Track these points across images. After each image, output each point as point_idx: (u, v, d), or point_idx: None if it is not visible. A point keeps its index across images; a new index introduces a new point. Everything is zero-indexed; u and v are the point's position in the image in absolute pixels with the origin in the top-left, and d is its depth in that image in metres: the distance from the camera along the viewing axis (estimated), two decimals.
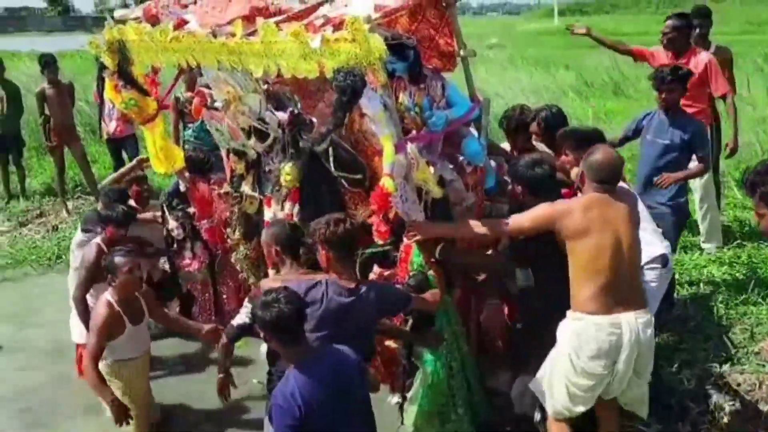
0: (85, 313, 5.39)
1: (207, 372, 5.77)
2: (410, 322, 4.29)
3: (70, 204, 9.75)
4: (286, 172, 4.56)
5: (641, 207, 4.31)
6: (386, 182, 3.73)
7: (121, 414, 4.39)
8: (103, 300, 4.56)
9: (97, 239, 5.53)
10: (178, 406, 5.41)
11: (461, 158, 4.72)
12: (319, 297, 3.66)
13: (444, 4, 4.26)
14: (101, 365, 4.50)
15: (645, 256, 4.22)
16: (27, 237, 9.20)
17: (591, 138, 4.44)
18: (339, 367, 3.32)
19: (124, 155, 9.25)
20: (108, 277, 4.57)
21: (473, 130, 4.53)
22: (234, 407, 5.14)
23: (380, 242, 4.04)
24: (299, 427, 3.17)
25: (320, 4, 4.72)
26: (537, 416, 4.28)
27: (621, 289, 3.79)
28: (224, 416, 5.20)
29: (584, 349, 3.77)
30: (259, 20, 4.17)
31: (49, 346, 6.48)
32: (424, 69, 4.31)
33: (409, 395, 4.54)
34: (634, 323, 3.75)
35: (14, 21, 66.04)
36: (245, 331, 4.12)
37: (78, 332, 5.65)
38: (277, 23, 4.05)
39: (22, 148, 10.30)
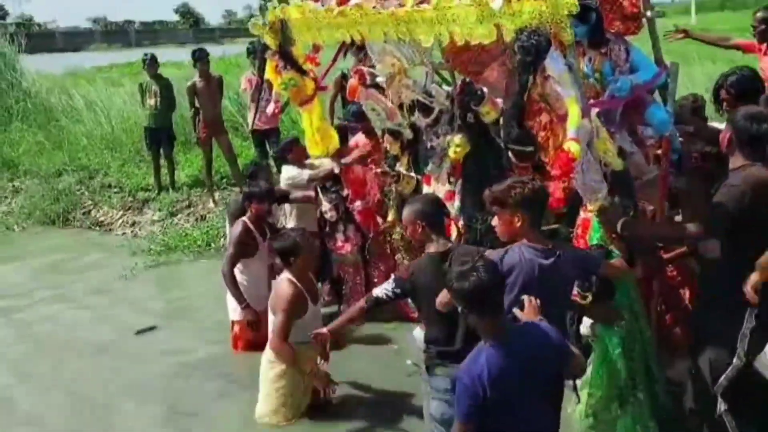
0: (234, 286, 5.53)
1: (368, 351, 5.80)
2: (588, 298, 4.02)
3: (216, 195, 10.01)
4: (456, 143, 4.41)
5: None
6: (572, 146, 3.48)
7: (325, 380, 4.58)
8: (285, 279, 4.66)
9: (244, 217, 5.68)
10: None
11: (641, 129, 4.44)
12: (516, 261, 3.47)
13: None
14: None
15: None
16: (177, 226, 9.53)
17: None
18: (538, 348, 3.07)
19: (268, 148, 9.38)
20: (286, 258, 4.73)
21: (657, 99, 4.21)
22: (389, 391, 5.15)
23: (556, 210, 3.79)
24: (484, 407, 2.96)
25: None
26: (721, 407, 3.89)
27: None
28: (381, 399, 5.14)
29: None
30: None
31: (202, 325, 6.66)
32: (606, 33, 4.03)
33: (581, 379, 4.29)
34: None
35: (148, 34, 69.48)
36: (380, 304, 4.18)
37: (233, 309, 5.76)
38: None
39: (173, 141, 10.66)
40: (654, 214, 4.33)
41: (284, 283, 4.72)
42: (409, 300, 5.14)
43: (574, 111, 3.52)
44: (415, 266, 4.12)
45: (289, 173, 6.23)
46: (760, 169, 3.64)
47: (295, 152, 6.13)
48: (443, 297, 3.68)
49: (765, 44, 6.01)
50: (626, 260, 3.96)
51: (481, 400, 2.94)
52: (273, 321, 4.74)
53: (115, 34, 74.67)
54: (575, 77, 3.54)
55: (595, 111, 3.82)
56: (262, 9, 5.49)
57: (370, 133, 6.15)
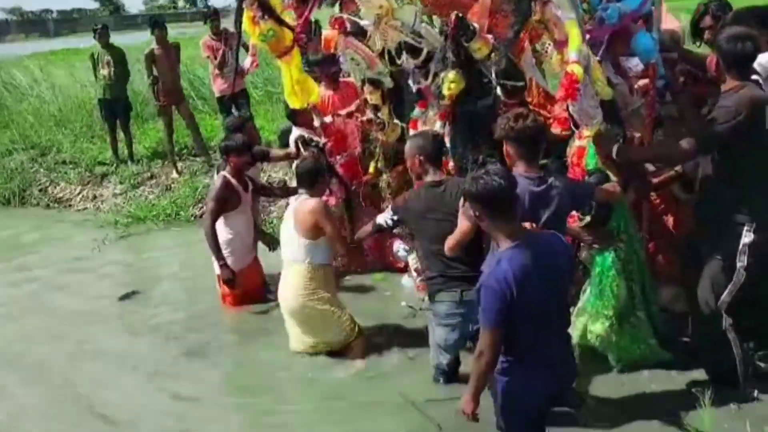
0: (214, 243, 5.51)
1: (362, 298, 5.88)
2: (585, 220, 4.16)
3: (179, 165, 9.86)
4: (450, 79, 4.45)
5: None
6: (575, 68, 3.59)
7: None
8: (312, 201, 4.93)
9: (223, 171, 5.65)
10: None
11: (624, 61, 4.57)
12: None
13: None
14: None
15: None
16: (141, 198, 9.38)
17: None
18: (551, 252, 3.20)
19: (234, 111, 9.27)
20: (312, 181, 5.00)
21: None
22: (391, 327, 5.32)
23: (561, 132, 3.90)
24: (510, 309, 3.05)
25: None
26: (725, 323, 4.07)
27: None
28: (385, 337, 5.23)
29: None
30: None
31: (184, 287, 6.66)
32: None
33: (577, 306, 4.44)
34: None
35: (67, 23, 67.00)
36: (382, 230, 4.62)
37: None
38: None
39: (130, 112, 10.44)
40: (641, 142, 4.47)
41: (313, 202, 4.92)
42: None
43: (574, 33, 3.62)
44: (411, 193, 4.43)
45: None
46: (752, 89, 3.82)
47: (302, 116, 6.02)
48: (451, 241, 3.83)
49: None
50: (620, 184, 4.10)
51: (508, 301, 3.03)
52: (314, 232, 4.86)
53: (32, 24, 72.01)
54: (573, 2, 3.62)
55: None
56: None
57: (334, 80, 6.30)
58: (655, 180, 4.51)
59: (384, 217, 4.49)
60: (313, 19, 6.40)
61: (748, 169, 3.86)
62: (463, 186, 3.32)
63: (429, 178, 4.29)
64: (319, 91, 5.78)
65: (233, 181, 5.69)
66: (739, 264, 3.89)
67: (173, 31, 10.77)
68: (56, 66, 16.19)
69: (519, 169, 3.71)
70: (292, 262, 4.93)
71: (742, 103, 3.74)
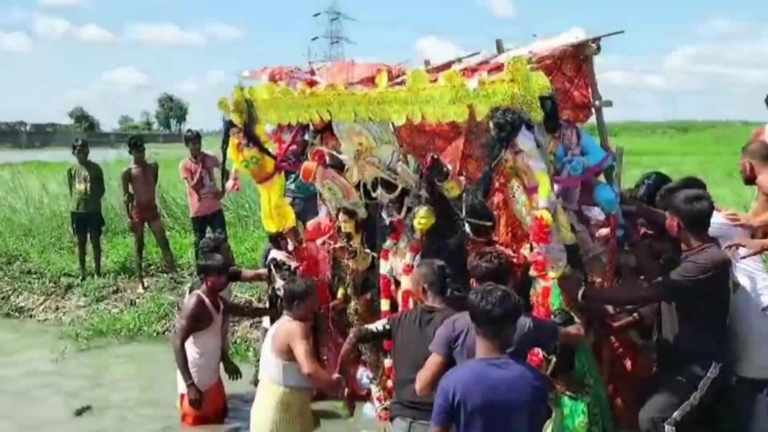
0: (183, 361, 5.51)
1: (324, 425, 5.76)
2: (552, 362, 4.29)
3: (146, 281, 9.88)
4: (422, 215, 4.70)
5: None
6: (544, 215, 3.82)
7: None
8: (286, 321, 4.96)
9: (198, 290, 5.73)
10: None
11: (586, 210, 4.86)
12: (466, 325, 3.77)
13: (582, 58, 4.47)
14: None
15: None
16: (105, 311, 9.33)
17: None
18: (517, 383, 3.35)
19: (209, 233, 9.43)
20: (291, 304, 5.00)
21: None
22: None
23: (537, 274, 4.09)
24: (450, 414, 3.32)
25: (449, 64, 5.01)
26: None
27: None
28: None
29: None
30: (408, 69, 4.39)
31: (143, 403, 6.57)
32: (559, 119, 4.47)
33: None
34: None
35: (41, 136, 68.08)
36: (375, 338, 4.62)
37: (182, 382, 5.72)
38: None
39: (102, 227, 10.55)
40: (601, 286, 4.69)
41: (288, 323, 4.95)
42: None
43: (544, 183, 3.86)
44: (407, 312, 4.53)
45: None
46: (718, 251, 4.22)
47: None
48: (422, 380, 3.95)
49: None
50: (583, 326, 4.28)
51: (449, 406, 3.31)
52: (289, 353, 4.86)
53: (5, 134, 72.99)
54: (543, 153, 3.91)
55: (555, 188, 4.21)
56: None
57: None
58: (615, 324, 4.70)
59: (376, 325, 4.56)
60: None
61: (714, 317, 4.20)
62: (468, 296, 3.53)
63: (427, 302, 4.38)
64: (293, 217, 5.99)
65: (207, 300, 5.76)
66: (698, 392, 4.15)
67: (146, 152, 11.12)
68: (26, 177, 16.34)
69: None
70: (268, 382, 4.95)
71: (715, 262, 4.10)
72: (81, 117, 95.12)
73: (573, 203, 4.48)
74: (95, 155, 10.63)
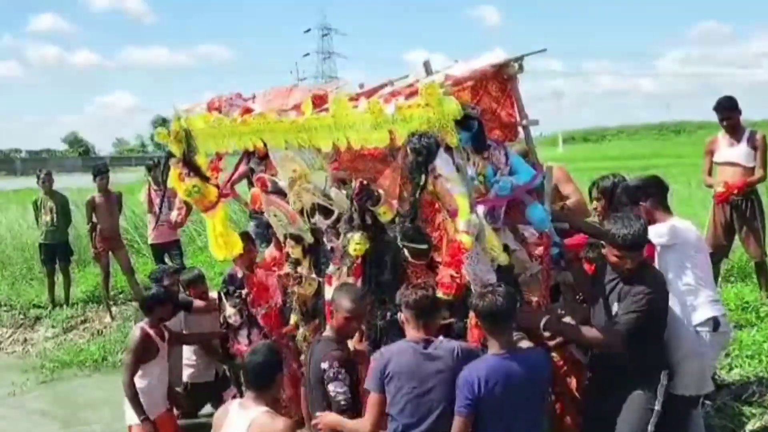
0: (133, 397, 5.45)
1: None
2: None
3: (113, 309, 9.84)
4: (356, 241, 4.67)
5: None
6: (463, 238, 3.80)
7: None
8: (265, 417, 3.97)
9: (141, 323, 5.68)
10: None
11: (523, 229, 4.84)
12: (393, 352, 3.89)
13: (505, 77, 4.46)
14: None
15: None
16: (72, 342, 9.28)
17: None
18: (532, 368, 3.75)
19: (168, 260, 9.41)
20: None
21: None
22: None
23: (444, 296, 4.06)
24: (474, 404, 3.61)
25: (382, 86, 4.99)
26: None
27: None
28: None
29: None
30: (330, 96, 4.38)
31: None
32: (487, 139, 4.46)
33: None
34: None
35: (36, 162, 67.61)
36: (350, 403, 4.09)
37: (130, 415, 5.66)
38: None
39: (70, 256, 10.51)
40: (538, 305, 4.66)
41: (282, 424, 3.91)
42: None
43: (463, 206, 3.85)
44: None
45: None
46: (654, 269, 4.38)
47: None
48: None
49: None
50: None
51: (474, 397, 3.60)
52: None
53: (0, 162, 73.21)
54: (463, 176, 3.89)
55: (481, 208, 4.20)
56: (156, 121, 5.66)
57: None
58: (551, 343, 4.67)
59: (343, 389, 4.09)
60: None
61: (659, 331, 4.35)
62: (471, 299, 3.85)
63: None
64: (240, 245, 5.95)
65: (151, 332, 5.71)
66: (656, 405, 4.25)
67: (141, 175, 10.85)
68: (15, 205, 16.27)
69: (409, 334, 3.95)
70: None
71: (658, 282, 4.29)
72: (75, 142, 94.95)
73: (498, 222, 4.44)
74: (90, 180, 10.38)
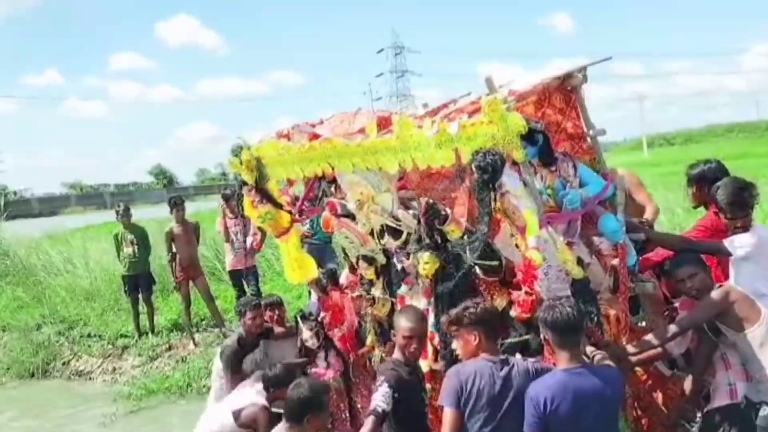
0: None
1: None
2: None
3: (196, 336, 10.08)
4: (425, 260, 4.67)
5: None
6: (533, 255, 3.75)
7: None
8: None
9: (261, 401, 5.61)
10: None
11: (597, 241, 4.73)
12: (472, 372, 3.77)
13: (569, 88, 4.41)
14: None
15: None
16: (158, 370, 9.54)
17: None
18: (602, 385, 3.60)
19: (246, 287, 9.59)
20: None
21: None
22: None
23: (520, 314, 4.00)
24: (542, 422, 3.54)
25: (445, 106, 4.99)
26: None
27: None
28: None
29: None
30: (394, 117, 4.40)
31: None
32: (555, 152, 4.40)
33: None
34: None
35: (123, 196, 69.94)
36: (386, 415, 4.09)
37: None
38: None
39: (152, 286, 10.84)
40: (616, 318, 4.54)
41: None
42: None
43: (532, 222, 3.80)
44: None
45: None
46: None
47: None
48: None
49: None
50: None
51: (541, 415, 3.52)
52: None
53: (90, 197, 75.79)
54: (531, 191, 3.85)
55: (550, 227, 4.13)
56: (235, 150, 5.78)
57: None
58: (633, 359, 4.54)
59: (382, 401, 4.04)
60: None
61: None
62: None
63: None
64: (314, 268, 6.01)
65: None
66: None
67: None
68: (105, 235, 16.83)
69: (482, 354, 3.87)
70: None
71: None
72: (159, 173, 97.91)
73: (574, 236, 4.36)
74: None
